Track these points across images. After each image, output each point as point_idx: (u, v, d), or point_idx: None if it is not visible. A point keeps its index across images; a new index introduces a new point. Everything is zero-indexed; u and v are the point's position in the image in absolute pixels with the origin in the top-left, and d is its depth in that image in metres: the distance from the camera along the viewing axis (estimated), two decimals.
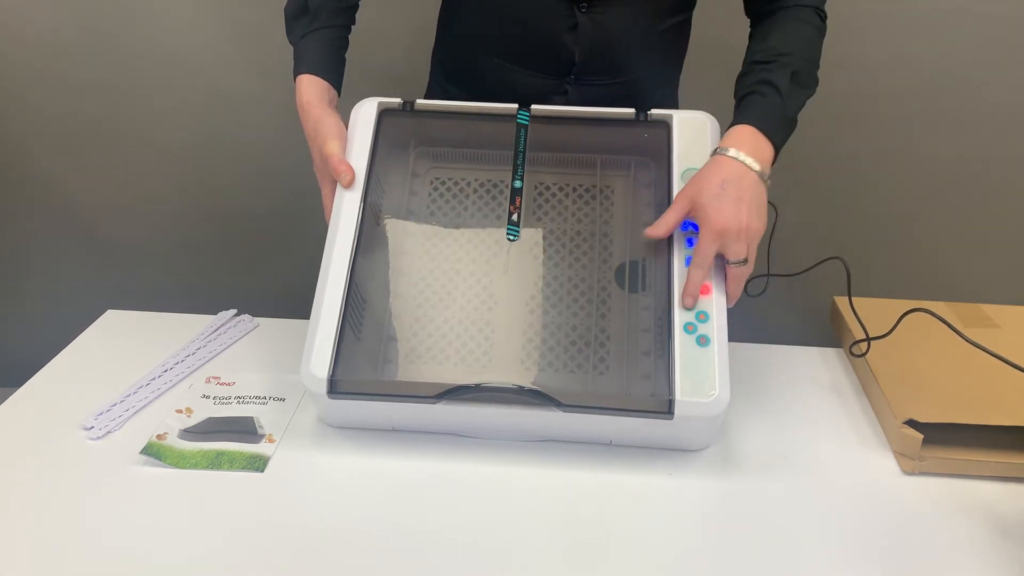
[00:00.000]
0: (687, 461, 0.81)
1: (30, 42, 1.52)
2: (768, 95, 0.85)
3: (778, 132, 0.84)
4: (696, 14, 1.05)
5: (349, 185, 0.86)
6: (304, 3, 0.93)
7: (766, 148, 0.83)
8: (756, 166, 0.81)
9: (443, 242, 0.88)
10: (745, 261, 0.80)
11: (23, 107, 1.59)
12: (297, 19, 0.94)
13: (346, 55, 0.96)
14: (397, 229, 0.88)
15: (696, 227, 0.82)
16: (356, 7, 0.97)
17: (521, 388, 0.77)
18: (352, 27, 0.97)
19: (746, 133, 0.83)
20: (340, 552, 0.69)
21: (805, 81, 0.87)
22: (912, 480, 0.79)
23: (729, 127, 0.86)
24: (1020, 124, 1.49)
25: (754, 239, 0.80)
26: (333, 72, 0.93)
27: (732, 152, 0.82)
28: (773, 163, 0.85)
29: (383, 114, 0.91)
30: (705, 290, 0.80)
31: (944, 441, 0.79)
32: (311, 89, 0.90)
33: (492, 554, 0.70)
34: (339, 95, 0.94)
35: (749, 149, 0.82)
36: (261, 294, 1.41)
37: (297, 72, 0.92)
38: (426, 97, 1.12)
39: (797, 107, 0.87)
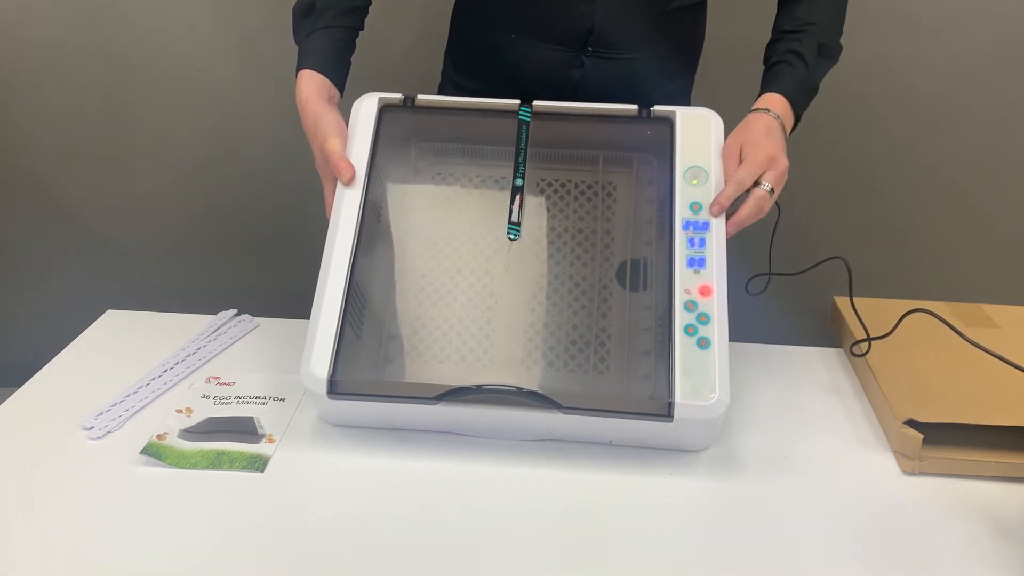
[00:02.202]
0: (687, 461, 0.81)
1: (30, 42, 1.52)
2: (796, 65, 0.93)
3: (802, 101, 0.93)
4: (711, 16, 1.05)
5: (349, 183, 0.86)
6: (311, 3, 0.93)
7: (791, 116, 0.92)
8: (786, 128, 0.91)
9: (444, 240, 0.88)
10: (772, 191, 0.85)
11: (23, 107, 1.59)
12: (304, 18, 0.94)
13: (353, 58, 0.96)
14: (398, 226, 0.88)
15: (698, 227, 0.83)
16: (364, 10, 0.97)
17: (520, 390, 0.77)
18: (360, 31, 0.97)
19: (779, 99, 0.92)
20: (340, 552, 0.69)
21: (830, 52, 0.96)
22: (912, 480, 0.79)
23: (760, 92, 0.94)
24: (1021, 124, 1.49)
25: (783, 181, 0.87)
26: (334, 70, 0.93)
27: (772, 112, 0.90)
28: (792, 131, 0.94)
29: (384, 110, 0.90)
30: (706, 291, 0.80)
31: (944, 441, 0.79)
32: (310, 84, 0.90)
33: (492, 553, 0.70)
34: (341, 95, 0.94)
35: (782, 112, 0.91)
36: (261, 294, 1.41)
37: (298, 69, 0.92)
38: (438, 95, 1.12)
39: (821, 76, 0.95)
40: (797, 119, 0.94)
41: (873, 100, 1.49)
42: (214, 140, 1.62)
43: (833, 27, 0.96)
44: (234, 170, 1.65)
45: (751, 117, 0.90)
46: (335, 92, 0.93)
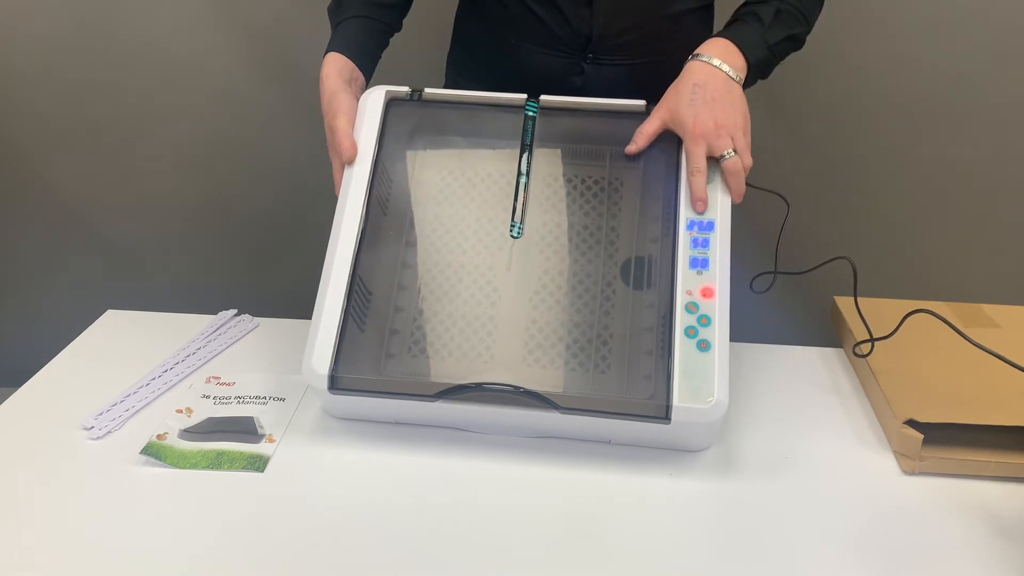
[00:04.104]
0: (687, 461, 0.81)
1: (30, 42, 1.52)
2: (750, 22, 0.91)
3: (752, 48, 0.89)
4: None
5: (349, 161, 0.87)
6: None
7: (737, 56, 0.88)
8: (724, 67, 0.86)
9: (448, 234, 0.87)
10: (734, 152, 0.83)
11: (23, 107, 1.59)
12: (333, 13, 0.97)
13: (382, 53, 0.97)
14: (402, 220, 0.88)
15: (703, 227, 0.82)
16: (393, 8, 0.98)
17: (518, 389, 0.77)
18: (393, 29, 0.99)
19: (718, 42, 0.89)
20: (339, 553, 0.69)
21: (790, 22, 0.92)
22: (912, 480, 0.79)
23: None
24: (1022, 124, 1.49)
25: (736, 131, 0.84)
26: (358, 54, 0.94)
27: (703, 57, 0.87)
28: (749, 76, 0.89)
29: (391, 103, 0.91)
30: (708, 293, 0.80)
31: (944, 441, 0.79)
32: (331, 64, 0.92)
33: (491, 550, 0.70)
34: (367, 81, 0.95)
35: (718, 53, 0.87)
36: (261, 294, 1.41)
37: (325, 54, 0.94)
38: None
39: (776, 38, 0.91)
40: (751, 65, 0.89)
41: (873, 99, 1.49)
42: (214, 140, 1.61)
43: (795, 4, 0.92)
44: (235, 170, 1.65)
45: (681, 74, 0.87)
46: (358, 74, 0.94)
